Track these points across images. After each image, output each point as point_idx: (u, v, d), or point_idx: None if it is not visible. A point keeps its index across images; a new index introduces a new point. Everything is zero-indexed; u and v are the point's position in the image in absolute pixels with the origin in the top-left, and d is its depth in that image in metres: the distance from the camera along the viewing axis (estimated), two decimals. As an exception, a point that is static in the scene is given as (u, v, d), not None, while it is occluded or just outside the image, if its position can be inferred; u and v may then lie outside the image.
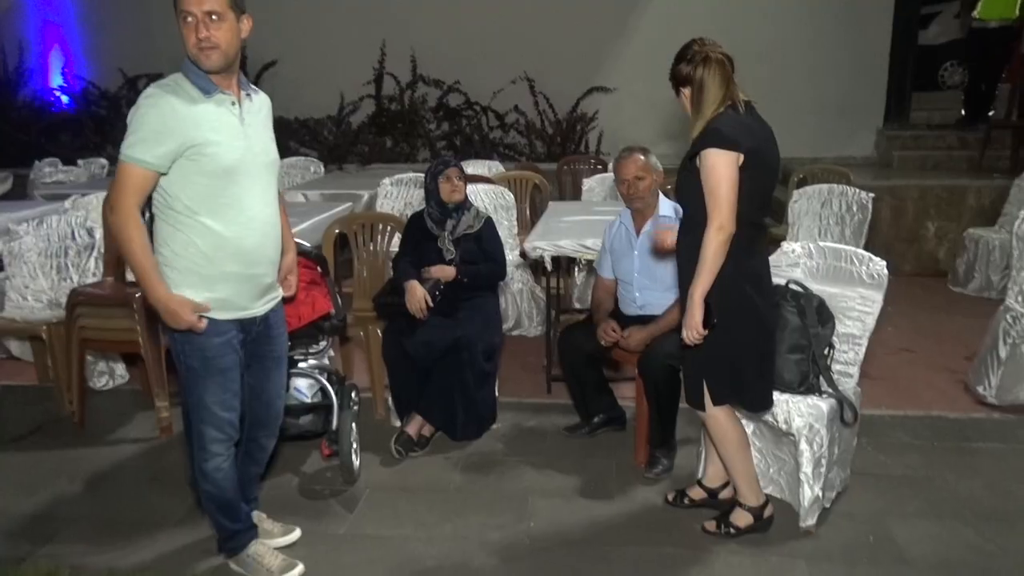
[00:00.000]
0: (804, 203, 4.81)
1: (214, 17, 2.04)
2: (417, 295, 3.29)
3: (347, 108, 7.65)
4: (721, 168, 2.27)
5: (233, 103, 2.17)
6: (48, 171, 6.45)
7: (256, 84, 7.80)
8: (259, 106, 2.30)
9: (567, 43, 7.47)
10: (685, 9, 7.31)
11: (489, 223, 3.57)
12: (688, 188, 2.41)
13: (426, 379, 3.31)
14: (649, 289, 3.24)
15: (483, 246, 3.51)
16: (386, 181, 5.38)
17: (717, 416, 2.56)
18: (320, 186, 5.79)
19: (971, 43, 7.22)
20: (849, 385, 2.85)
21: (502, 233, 4.71)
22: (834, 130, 7.36)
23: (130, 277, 3.31)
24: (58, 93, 8.43)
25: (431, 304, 3.30)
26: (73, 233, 4.01)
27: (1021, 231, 3.69)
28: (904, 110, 7.65)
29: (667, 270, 3.18)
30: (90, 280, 3.93)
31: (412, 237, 3.58)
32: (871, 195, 4.60)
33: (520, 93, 7.56)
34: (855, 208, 4.64)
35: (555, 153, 7.39)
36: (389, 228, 3.98)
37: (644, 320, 3.20)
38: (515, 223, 4.88)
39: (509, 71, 7.47)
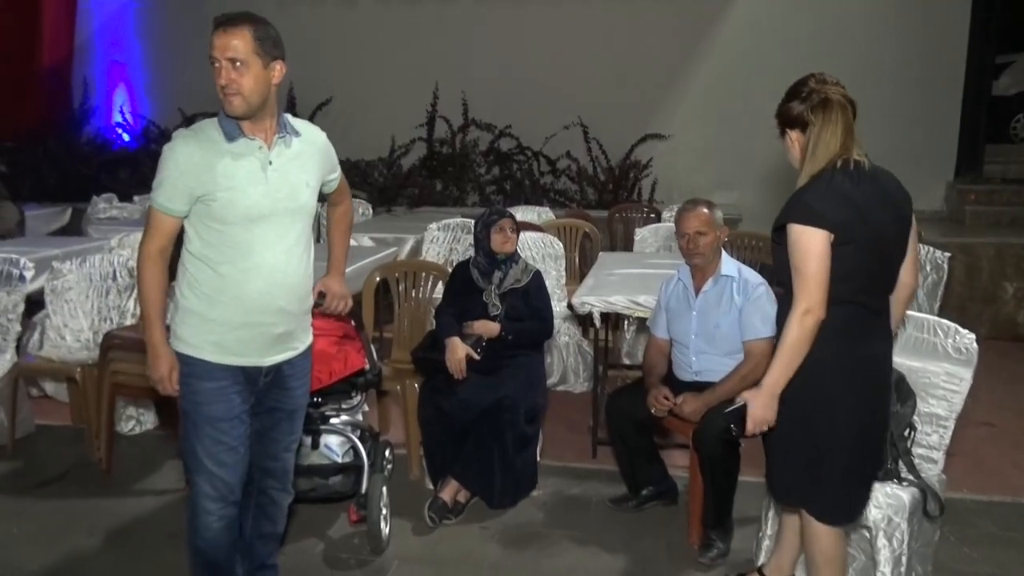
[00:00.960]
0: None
1: (238, 64, 1.99)
2: (458, 354, 3.11)
3: (398, 150, 7.61)
4: (806, 244, 1.96)
5: (260, 147, 2.08)
6: (103, 207, 6.51)
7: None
8: (299, 149, 2.16)
9: (622, 89, 7.33)
10: (746, 57, 7.12)
11: (537, 277, 3.39)
12: (780, 260, 2.10)
13: (463, 441, 3.10)
14: (707, 354, 2.99)
15: (530, 302, 3.33)
16: (433, 226, 5.26)
17: (817, 528, 2.18)
18: (367, 229, 5.69)
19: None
20: (933, 472, 2.54)
21: (550, 284, 4.52)
22: (905, 183, 6.98)
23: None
24: (119, 130, 8.61)
25: (475, 359, 3.11)
26: (115, 273, 3.94)
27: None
28: (977, 163, 7.27)
29: (728, 334, 2.94)
30: (128, 322, 3.85)
31: (456, 288, 3.41)
32: (947, 255, 4.27)
33: (573, 139, 7.43)
34: (928, 268, 4.32)
35: (607, 200, 7.21)
36: (432, 277, 3.82)
37: (700, 387, 2.94)
38: (563, 273, 4.69)
39: (562, 116, 7.35)
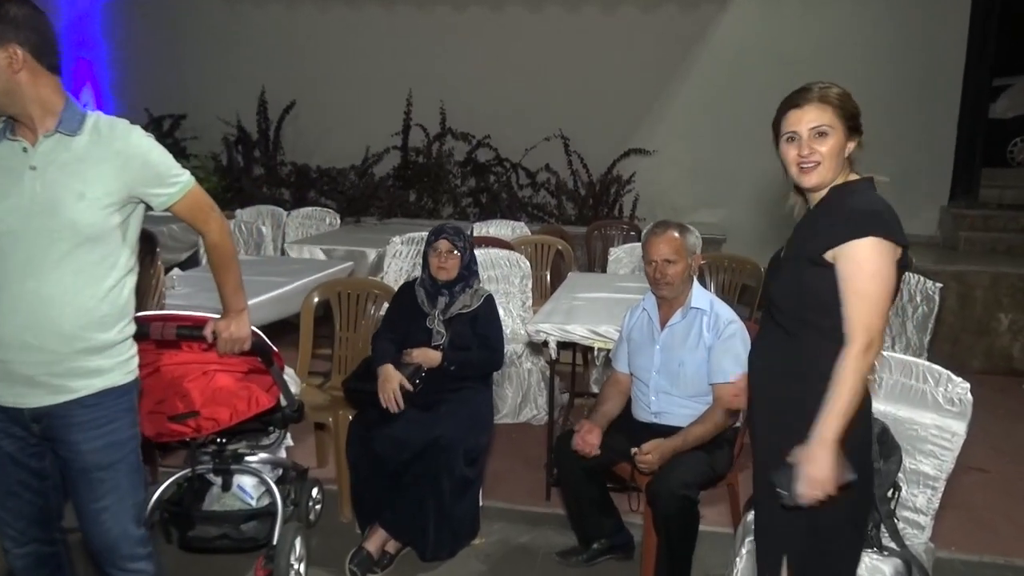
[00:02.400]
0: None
1: None
2: (391, 384, 2.78)
3: (371, 159, 7.30)
4: (879, 263, 1.67)
5: (25, 149, 1.75)
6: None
7: (279, 129, 7.47)
8: (84, 153, 1.76)
9: (604, 102, 7.04)
10: (733, 73, 6.84)
11: (489, 303, 3.06)
12: (798, 285, 1.78)
13: (395, 484, 2.76)
14: (668, 394, 2.67)
15: (478, 329, 3.00)
16: (396, 239, 4.92)
17: None
18: (328, 241, 5.37)
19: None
20: (919, 540, 2.22)
21: (514, 306, 4.23)
22: (895, 206, 6.71)
23: None
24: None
25: (409, 389, 2.78)
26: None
27: None
28: (972, 187, 6.97)
29: (693, 374, 2.62)
30: None
31: (399, 310, 3.09)
32: (939, 286, 3.95)
33: (553, 151, 7.12)
34: (919, 298, 4.00)
35: (587, 216, 6.90)
36: (377, 297, 3.49)
37: (658, 431, 2.62)
38: (530, 294, 4.36)
39: (543, 128, 7.04)
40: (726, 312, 2.65)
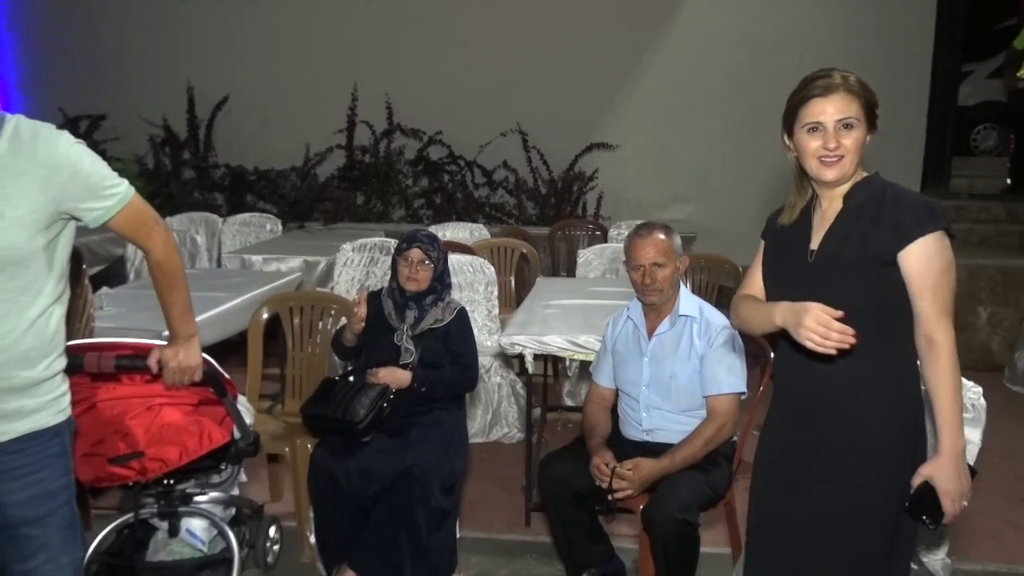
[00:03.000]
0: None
1: None
2: (360, 312, 2.84)
3: (313, 159, 7.11)
4: (949, 258, 1.69)
5: None
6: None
7: (210, 127, 7.21)
8: (3, 162, 1.60)
9: (564, 94, 6.98)
10: (696, 61, 6.87)
11: (462, 317, 2.95)
12: (867, 290, 1.71)
13: (363, 520, 2.64)
14: (660, 409, 2.61)
15: (450, 345, 2.89)
16: (347, 246, 4.77)
17: None
18: (270, 249, 5.18)
19: (1017, 105, 6.81)
20: (936, 558, 2.19)
21: (480, 316, 4.13)
22: (866, 197, 6.85)
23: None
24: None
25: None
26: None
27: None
28: (943, 176, 7.15)
29: (685, 386, 2.56)
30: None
31: (365, 322, 2.96)
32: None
33: (510, 148, 7.04)
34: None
35: (548, 216, 6.84)
36: (334, 311, 3.35)
37: (651, 449, 2.56)
38: (495, 302, 4.27)
39: (499, 123, 6.96)
40: (717, 318, 2.61)
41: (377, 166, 7.05)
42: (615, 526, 2.92)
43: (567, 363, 4.50)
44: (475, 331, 4.04)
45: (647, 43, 7.01)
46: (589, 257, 4.86)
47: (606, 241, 5.54)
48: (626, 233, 5.76)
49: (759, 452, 1.99)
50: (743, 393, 2.56)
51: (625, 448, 2.62)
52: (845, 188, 1.78)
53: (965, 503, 1.68)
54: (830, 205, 1.80)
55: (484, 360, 4.06)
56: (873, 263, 1.70)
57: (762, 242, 1.96)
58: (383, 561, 2.60)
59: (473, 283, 4.24)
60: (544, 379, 4.44)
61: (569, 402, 4.55)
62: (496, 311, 4.26)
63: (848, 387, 1.74)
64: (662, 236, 2.61)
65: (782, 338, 1.79)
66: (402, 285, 2.87)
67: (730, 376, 2.51)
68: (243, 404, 2.50)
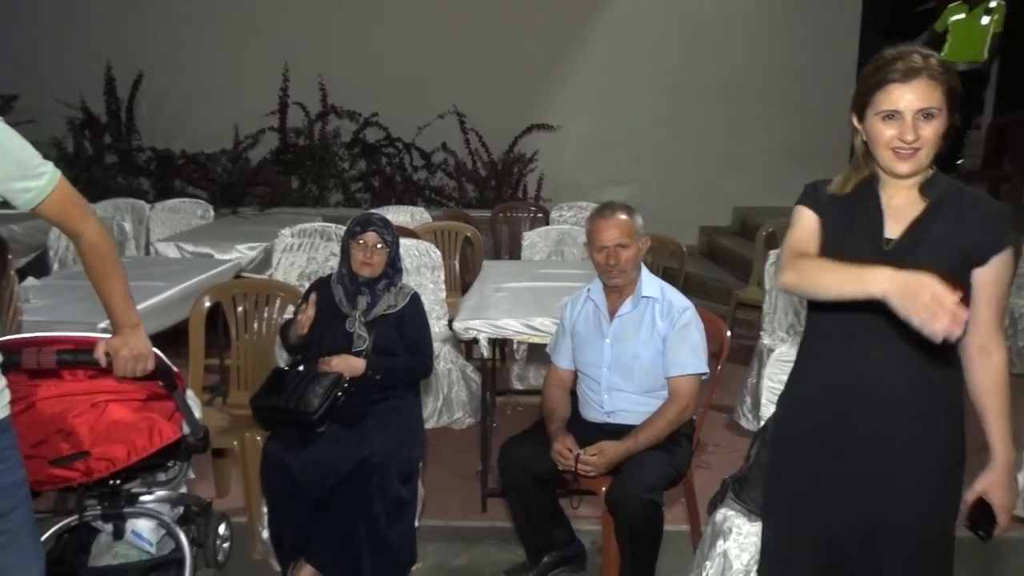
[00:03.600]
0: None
1: None
2: (308, 311, 2.76)
3: (245, 141, 6.88)
4: (1013, 271, 1.66)
5: None
6: None
7: (131, 108, 6.90)
8: None
9: (502, 75, 6.93)
10: (632, 40, 6.90)
11: (416, 302, 2.90)
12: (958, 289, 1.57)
13: (320, 513, 2.57)
14: (622, 391, 2.61)
15: (405, 332, 2.83)
16: (285, 232, 4.63)
17: None
18: (203, 237, 4.98)
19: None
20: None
21: (427, 300, 4.05)
22: (798, 176, 6.96)
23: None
24: None
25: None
26: None
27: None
28: (869, 157, 7.38)
29: (648, 367, 2.57)
30: None
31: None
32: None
33: (449, 130, 6.96)
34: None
35: (489, 198, 6.80)
36: (280, 299, 3.24)
37: (612, 432, 2.55)
38: (443, 286, 4.21)
39: (436, 104, 6.87)
40: (679, 299, 2.61)
41: (312, 149, 6.88)
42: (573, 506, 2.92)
43: (515, 346, 4.48)
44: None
45: (584, 24, 7.01)
46: (534, 239, 4.84)
47: (548, 223, 5.53)
48: (568, 215, 5.83)
49: (782, 457, 1.86)
50: (705, 373, 2.58)
51: (586, 430, 2.62)
52: (919, 179, 1.66)
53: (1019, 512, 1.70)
54: (900, 194, 1.67)
55: (434, 345, 4.00)
56: (960, 263, 1.60)
57: (806, 210, 1.76)
58: (341, 554, 2.54)
59: (420, 267, 4.17)
60: (492, 363, 4.41)
61: (518, 386, 4.53)
62: (443, 295, 4.21)
63: (938, 399, 1.66)
64: (624, 217, 2.59)
65: (813, 334, 1.77)
66: (356, 270, 2.79)
67: (693, 357, 2.52)
68: (191, 398, 2.39)
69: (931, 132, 1.58)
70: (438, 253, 4.21)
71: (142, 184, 6.85)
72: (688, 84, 6.91)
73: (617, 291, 2.64)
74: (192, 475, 2.67)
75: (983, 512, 1.63)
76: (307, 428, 2.59)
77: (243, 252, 4.66)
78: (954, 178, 1.73)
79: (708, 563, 2.29)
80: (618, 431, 2.54)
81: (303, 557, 2.56)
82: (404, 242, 4.16)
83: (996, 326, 1.62)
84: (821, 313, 1.73)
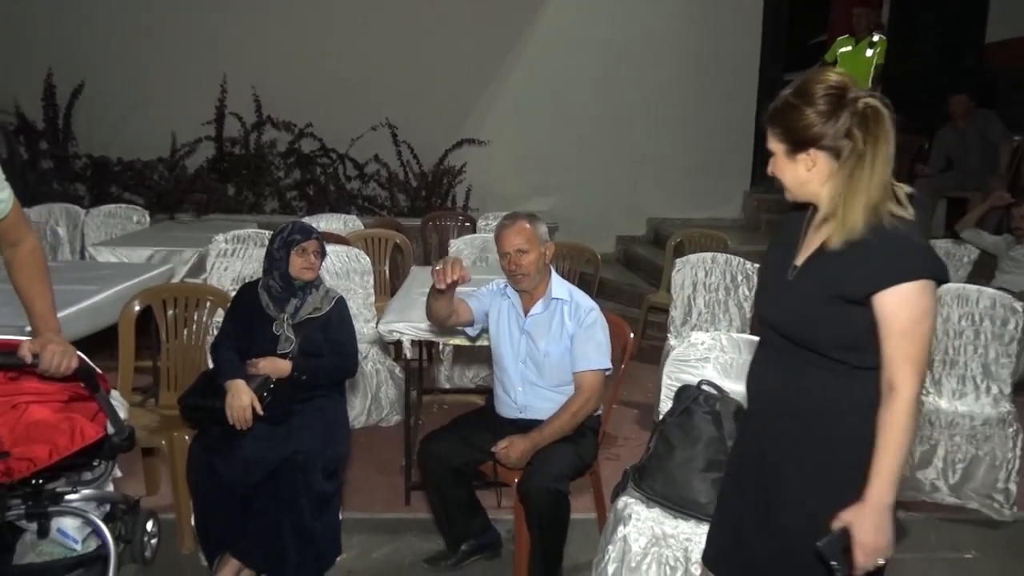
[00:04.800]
0: (687, 272, 4.38)
1: None
2: (242, 400, 2.53)
3: (181, 150, 6.70)
4: (928, 304, 1.47)
5: None
6: None
7: (68, 115, 6.64)
8: None
9: (432, 90, 6.94)
10: (558, 62, 7.00)
11: (341, 305, 2.87)
12: (827, 321, 1.54)
13: (246, 508, 2.53)
14: (533, 384, 2.66)
15: (330, 334, 2.81)
16: (220, 238, 4.52)
17: None
18: (138, 241, 4.83)
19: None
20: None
21: (356, 305, 4.04)
22: (706, 191, 7.24)
23: None
24: None
25: (259, 412, 2.55)
26: None
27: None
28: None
29: (557, 363, 2.62)
30: None
31: (240, 316, 2.82)
32: (757, 266, 4.27)
33: (381, 142, 6.92)
34: (740, 278, 4.31)
35: (419, 208, 6.78)
36: (209, 303, 3.18)
37: (525, 427, 2.59)
38: (371, 291, 4.19)
39: (369, 117, 6.82)
40: (586, 301, 2.68)
41: (248, 158, 6.74)
42: (489, 498, 2.95)
43: (440, 347, 4.48)
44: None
45: (511, 44, 7.09)
46: (460, 247, 4.86)
47: (475, 231, 5.56)
48: (494, 224, 5.86)
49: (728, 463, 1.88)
50: (608, 369, 2.64)
51: (500, 425, 2.65)
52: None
53: (882, 560, 1.49)
54: (825, 225, 1.57)
55: (361, 347, 3.95)
56: (838, 299, 1.52)
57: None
58: (266, 548, 2.50)
59: (349, 272, 4.14)
60: (420, 364, 4.40)
61: (446, 385, 4.54)
62: (372, 299, 4.19)
63: (818, 412, 1.58)
64: (527, 225, 2.64)
65: (758, 347, 1.73)
66: (296, 275, 2.76)
67: (597, 354, 2.58)
68: (116, 398, 2.33)
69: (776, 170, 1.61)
70: (367, 259, 4.19)
71: (78, 190, 6.60)
72: (608, 103, 7.04)
73: (528, 294, 2.69)
74: (119, 474, 2.59)
75: (847, 546, 1.48)
76: (233, 427, 2.55)
77: (177, 257, 4.57)
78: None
79: (610, 547, 2.34)
80: (530, 426, 2.58)
81: (229, 552, 2.52)
82: (333, 248, 4.15)
83: (901, 362, 1.47)
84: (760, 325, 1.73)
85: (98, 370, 2.08)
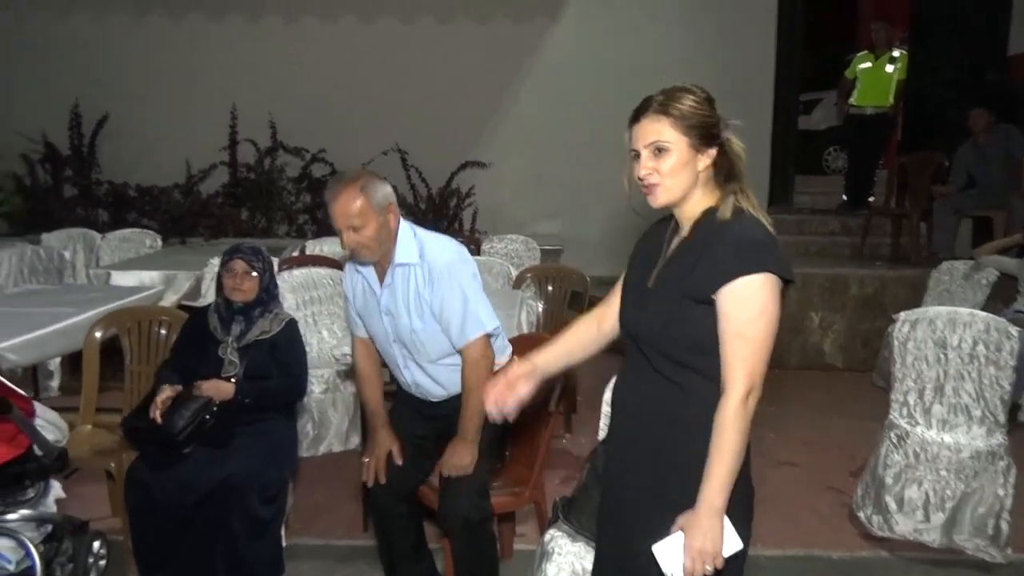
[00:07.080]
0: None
1: None
2: (161, 395, 2.59)
3: (196, 176, 6.89)
4: (766, 301, 1.46)
5: None
6: None
7: (92, 145, 6.90)
8: None
9: (441, 115, 7.01)
10: (566, 86, 7.00)
11: (291, 327, 2.86)
12: (680, 324, 1.54)
13: (182, 530, 2.53)
14: (415, 362, 2.40)
15: (277, 356, 2.80)
16: (215, 261, 4.60)
17: None
18: (139, 264, 4.97)
19: (849, 129, 7.18)
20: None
21: (339, 328, 4.06)
22: (719, 212, 7.09)
23: None
24: None
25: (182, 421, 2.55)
26: None
27: (901, 334, 3.26)
28: (787, 194, 7.49)
29: (429, 340, 2.33)
30: None
31: (190, 338, 2.86)
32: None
33: (391, 166, 6.99)
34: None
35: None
36: (171, 325, 3.22)
37: (430, 417, 2.47)
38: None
39: (379, 142, 6.92)
40: (439, 256, 2.27)
41: (261, 183, 6.89)
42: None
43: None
44: (335, 342, 3.99)
45: (518, 69, 7.12)
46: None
47: (479, 253, 5.54)
48: (499, 247, 5.83)
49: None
50: (492, 328, 2.32)
51: (411, 422, 2.51)
52: (695, 215, 1.60)
53: (710, 568, 1.46)
54: (682, 230, 1.63)
55: (342, 370, 3.98)
56: (688, 300, 1.51)
57: None
58: (199, 570, 2.51)
59: (333, 297, 4.17)
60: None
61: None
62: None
63: (669, 423, 1.57)
64: (356, 198, 2.16)
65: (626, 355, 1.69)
66: (228, 296, 2.78)
67: (467, 321, 2.25)
68: (51, 420, 2.38)
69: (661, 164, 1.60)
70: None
71: (100, 216, 6.84)
72: (613, 125, 6.93)
73: (380, 264, 2.33)
74: (62, 494, 2.64)
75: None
76: (172, 448, 2.57)
77: (171, 279, 4.65)
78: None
79: (537, 584, 2.27)
80: (435, 414, 2.45)
81: (162, 574, 2.52)
82: (319, 272, 4.20)
83: (734, 362, 1.46)
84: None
85: (16, 391, 2.11)
